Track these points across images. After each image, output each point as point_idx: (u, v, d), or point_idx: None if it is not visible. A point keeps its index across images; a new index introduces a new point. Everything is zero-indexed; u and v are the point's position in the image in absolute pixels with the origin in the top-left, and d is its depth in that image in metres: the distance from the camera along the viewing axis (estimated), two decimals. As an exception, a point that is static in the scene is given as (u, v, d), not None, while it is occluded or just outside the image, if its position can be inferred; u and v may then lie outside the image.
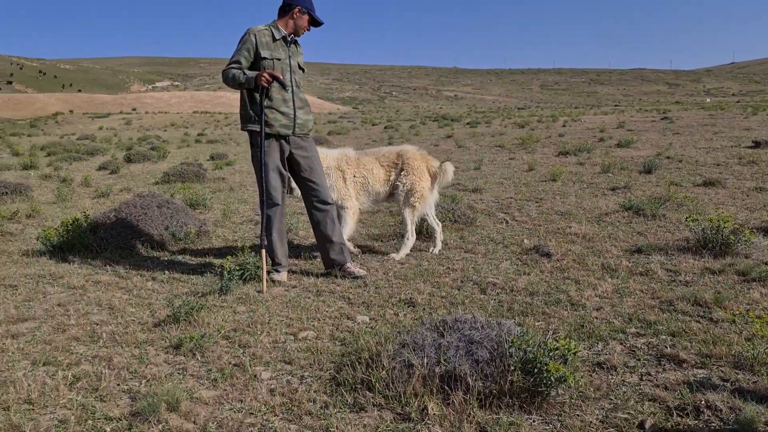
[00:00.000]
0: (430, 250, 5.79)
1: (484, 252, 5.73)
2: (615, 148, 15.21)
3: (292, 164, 5.06)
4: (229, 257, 4.79)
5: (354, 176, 5.67)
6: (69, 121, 67.32)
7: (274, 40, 4.88)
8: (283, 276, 5.01)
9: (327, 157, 5.59)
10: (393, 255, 5.65)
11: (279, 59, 4.88)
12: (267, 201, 4.94)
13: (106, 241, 6.07)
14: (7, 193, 9.97)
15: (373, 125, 38.69)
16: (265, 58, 4.83)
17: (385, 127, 33.49)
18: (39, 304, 4.50)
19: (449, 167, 5.84)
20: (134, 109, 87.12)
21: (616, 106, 72.79)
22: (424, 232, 6.15)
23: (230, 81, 4.82)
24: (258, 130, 4.86)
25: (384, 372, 2.96)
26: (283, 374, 3.24)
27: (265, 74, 4.69)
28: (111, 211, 6.49)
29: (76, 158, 18.55)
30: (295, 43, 5.02)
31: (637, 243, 5.78)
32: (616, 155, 13.41)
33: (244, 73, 4.77)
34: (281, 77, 4.78)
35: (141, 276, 5.19)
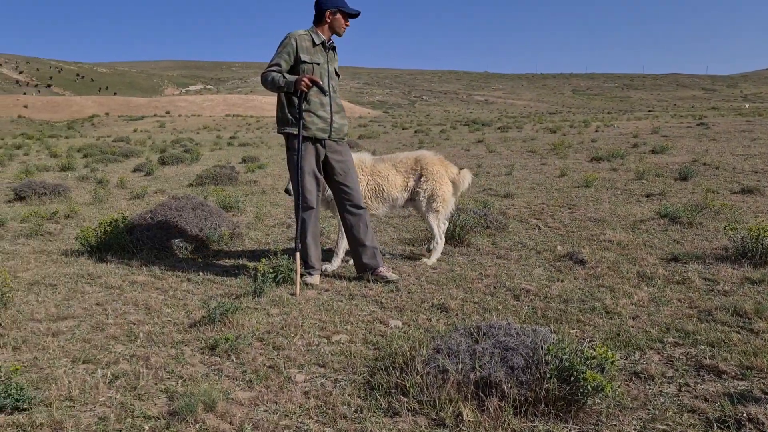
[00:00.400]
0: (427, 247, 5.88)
1: (517, 258, 5.69)
2: (649, 154, 14.96)
3: (326, 168, 5.09)
4: (263, 260, 4.83)
5: (367, 183, 5.67)
6: (105, 124, 68.78)
7: (314, 45, 4.92)
8: (315, 279, 5.04)
9: None
10: (425, 260, 5.64)
11: (318, 64, 4.92)
12: (302, 204, 4.97)
13: (142, 242, 6.17)
14: (46, 193, 10.24)
15: (403, 129, 38.72)
16: (305, 62, 4.88)
17: (416, 132, 33.47)
18: (78, 303, 4.60)
19: (467, 174, 5.87)
20: (168, 112, 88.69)
21: (649, 111, 71.72)
22: (456, 237, 6.14)
23: (269, 84, 4.87)
24: (295, 133, 4.90)
25: (418, 377, 2.95)
26: (317, 377, 3.25)
27: (305, 79, 4.73)
28: (147, 212, 6.59)
29: (112, 160, 18.94)
30: (333, 49, 5.06)
31: (673, 251, 5.68)
32: (651, 161, 13.20)
33: (284, 77, 4.82)
34: (320, 82, 4.82)
35: (176, 277, 5.26)
